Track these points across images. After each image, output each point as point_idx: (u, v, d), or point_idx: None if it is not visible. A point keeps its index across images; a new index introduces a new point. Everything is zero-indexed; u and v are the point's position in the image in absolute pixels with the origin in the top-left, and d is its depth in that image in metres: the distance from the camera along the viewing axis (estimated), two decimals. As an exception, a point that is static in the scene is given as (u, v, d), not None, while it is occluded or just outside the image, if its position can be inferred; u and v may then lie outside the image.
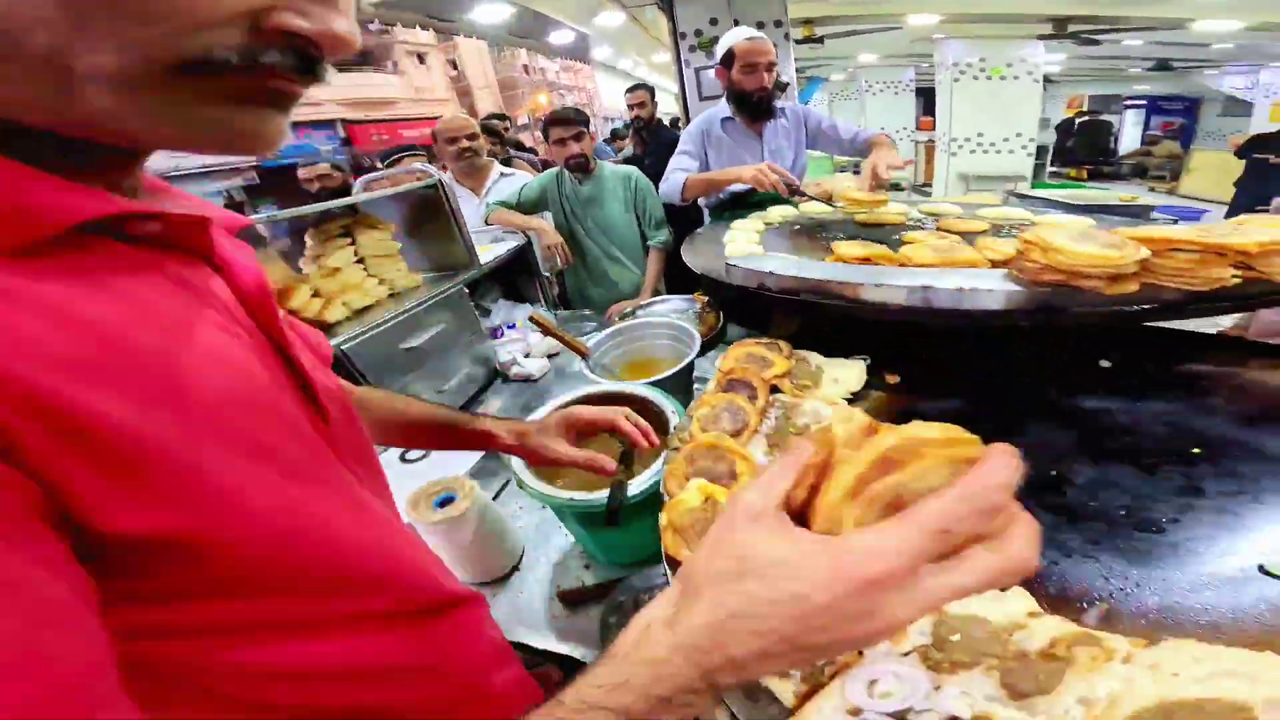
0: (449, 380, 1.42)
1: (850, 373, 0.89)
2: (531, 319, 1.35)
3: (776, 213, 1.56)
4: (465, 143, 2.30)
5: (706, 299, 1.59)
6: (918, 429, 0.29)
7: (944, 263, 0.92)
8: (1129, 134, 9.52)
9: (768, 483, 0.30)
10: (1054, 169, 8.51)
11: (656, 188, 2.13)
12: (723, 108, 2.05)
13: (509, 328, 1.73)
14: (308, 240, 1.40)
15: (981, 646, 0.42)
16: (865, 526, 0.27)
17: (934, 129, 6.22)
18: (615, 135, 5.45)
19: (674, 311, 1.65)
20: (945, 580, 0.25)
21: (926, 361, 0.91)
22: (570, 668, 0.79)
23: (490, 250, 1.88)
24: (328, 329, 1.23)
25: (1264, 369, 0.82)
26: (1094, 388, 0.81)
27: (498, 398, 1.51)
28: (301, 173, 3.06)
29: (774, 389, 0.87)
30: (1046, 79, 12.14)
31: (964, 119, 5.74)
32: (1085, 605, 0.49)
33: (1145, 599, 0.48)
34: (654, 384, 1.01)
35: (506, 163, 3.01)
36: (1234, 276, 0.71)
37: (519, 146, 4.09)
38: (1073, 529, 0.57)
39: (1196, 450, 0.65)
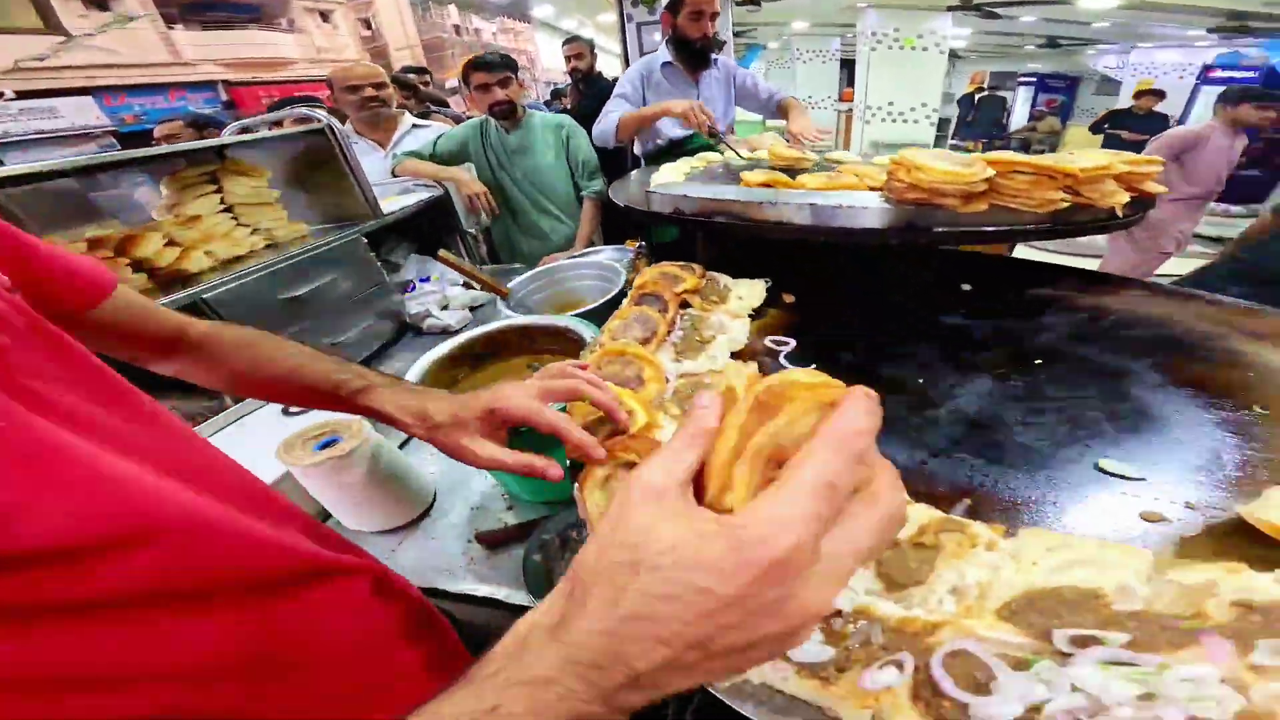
0: (345, 333, 1.32)
1: (753, 291, 0.94)
2: (439, 256, 1.28)
3: (704, 159, 1.58)
4: (371, 91, 2.10)
5: (639, 245, 1.59)
6: (787, 374, 0.29)
7: (830, 187, 0.99)
8: (1020, 110, 10.43)
9: (671, 456, 0.26)
10: (954, 142, 9.18)
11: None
12: (662, 53, 2.06)
13: (423, 281, 1.63)
14: (162, 189, 1.26)
15: None
16: (753, 490, 0.25)
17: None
18: (556, 95, 5.21)
19: (607, 260, 1.63)
20: (846, 546, 0.23)
21: (819, 284, 0.98)
22: (495, 609, 0.77)
23: (396, 201, 1.75)
24: (188, 279, 1.13)
25: (1094, 294, 0.93)
26: (956, 307, 0.89)
27: (410, 353, 1.43)
28: (156, 131, 2.74)
29: (685, 304, 0.89)
30: (954, 54, 12.96)
31: (878, 88, 5.99)
32: (953, 499, 0.53)
33: (1002, 493, 0.53)
34: (577, 317, 0.99)
35: (424, 116, 2.80)
36: (1064, 200, 0.80)
37: (439, 103, 3.80)
38: (937, 430, 0.63)
39: (1038, 361, 0.74)
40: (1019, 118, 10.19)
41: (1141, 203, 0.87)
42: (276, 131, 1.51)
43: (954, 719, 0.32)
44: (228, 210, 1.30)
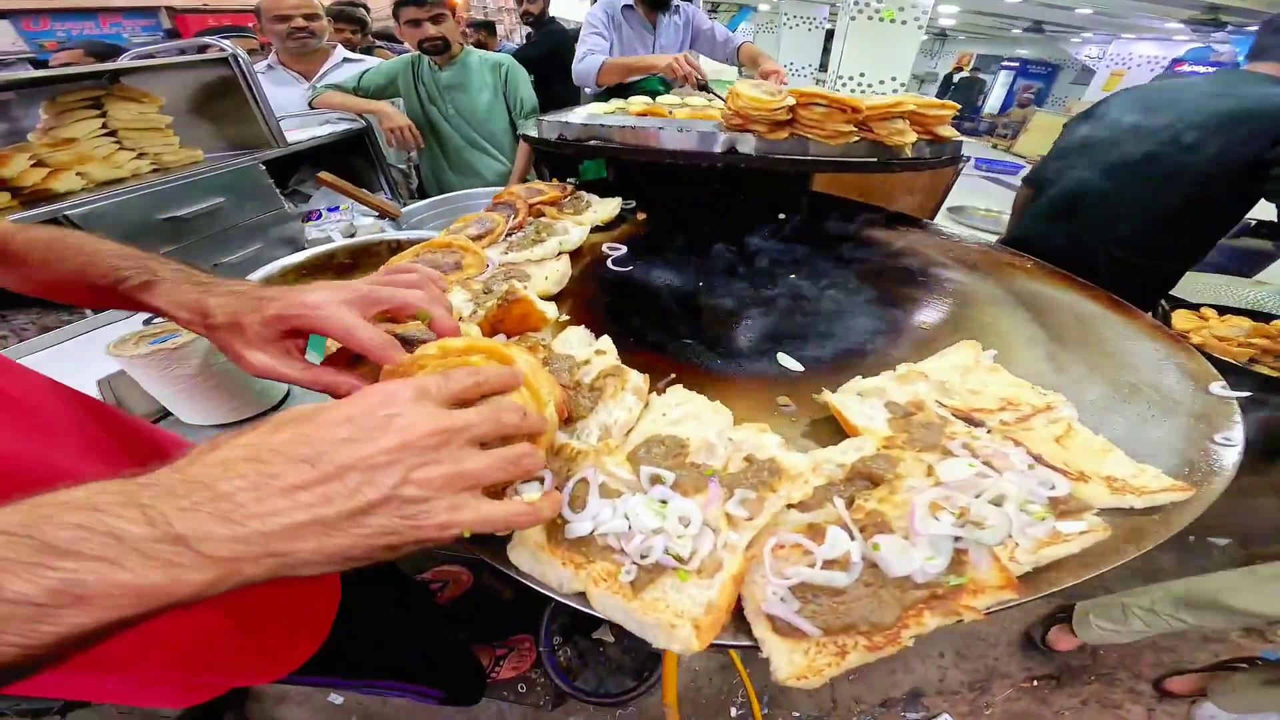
0: (233, 254, 1.34)
1: (608, 207, 1.01)
2: (318, 177, 1.31)
3: (637, 102, 1.60)
4: (301, 22, 2.04)
5: (566, 181, 1.61)
6: (449, 343, 0.41)
7: (695, 116, 1.06)
8: (996, 94, 10.45)
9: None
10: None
11: (544, 72, 2.08)
12: None
13: (331, 210, 1.64)
14: (41, 113, 1.25)
15: (560, 377, 0.51)
16: None
17: (832, 70, 6.41)
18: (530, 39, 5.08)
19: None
20: (461, 413, 0.31)
21: (672, 206, 1.07)
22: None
23: (309, 132, 1.75)
24: (55, 198, 1.14)
25: (880, 229, 1.04)
26: (763, 230, 0.99)
27: (305, 279, 1.47)
28: (52, 60, 2.62)
29: (541, 213, 0.95)
30: (943, 32, 12.79)
31: (852, 59, 5.90)
32: (666, 373, 0.60)
33: (701, 370, 0.63)
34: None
35: (368, 51, 2.73)
36: (853, 134, 0.86)
37: (388, 38, 3.68)
38: (689, 321, 0.73)
39: (792, 276, 0.85)
40: (994, 100, 10.23)
41: (940, 147, 0.95)
42: (172, 59, 1.49)
43: (560, 530, 0.38)
44: (111, 135, 1.30)
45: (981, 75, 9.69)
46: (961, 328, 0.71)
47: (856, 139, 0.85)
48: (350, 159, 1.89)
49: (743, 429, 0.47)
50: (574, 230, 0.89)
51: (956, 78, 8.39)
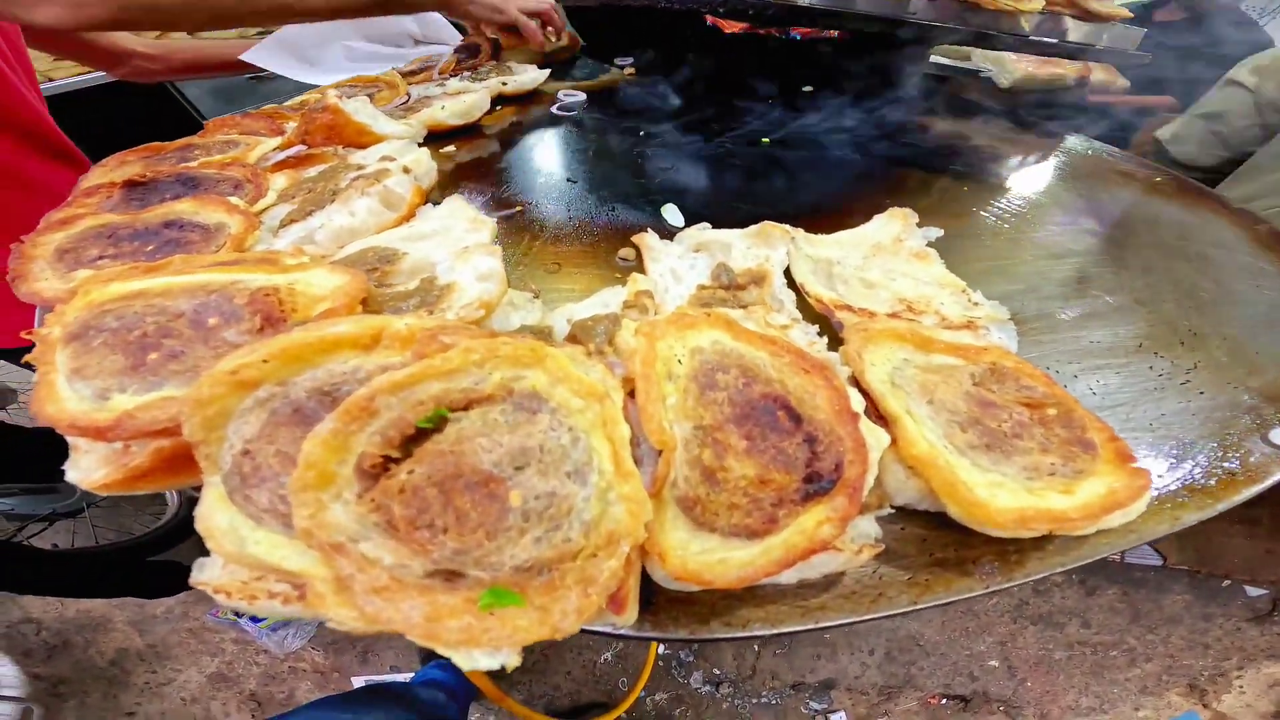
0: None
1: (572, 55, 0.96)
2: None
3: None
4: None
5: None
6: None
7: None
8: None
9: None
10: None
11: None
12: None
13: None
14: None
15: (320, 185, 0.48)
16: None
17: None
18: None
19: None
20: None
21: (673, 65, 0.92)
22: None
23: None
24: None
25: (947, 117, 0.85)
26: (769, 97, 0.83)
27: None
28: None
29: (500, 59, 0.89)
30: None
31: None
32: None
33: (563, 208, 0.55)
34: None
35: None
36: None
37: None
38: (591, 166, 0.64)
39: (765, 140, 0.71)
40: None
41: (1095, 30, 0.63)
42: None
43: None
44: None
45: None
46: (962, 228, 0.49)
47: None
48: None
49: (476, 250, 0.37)
50: (531, 72, 0.82)
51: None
